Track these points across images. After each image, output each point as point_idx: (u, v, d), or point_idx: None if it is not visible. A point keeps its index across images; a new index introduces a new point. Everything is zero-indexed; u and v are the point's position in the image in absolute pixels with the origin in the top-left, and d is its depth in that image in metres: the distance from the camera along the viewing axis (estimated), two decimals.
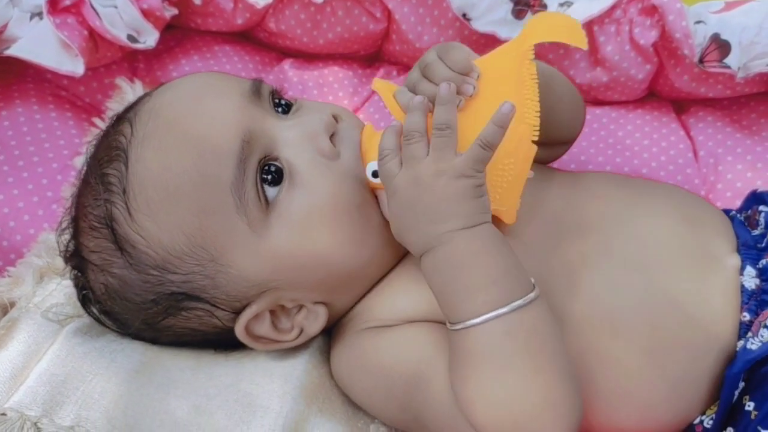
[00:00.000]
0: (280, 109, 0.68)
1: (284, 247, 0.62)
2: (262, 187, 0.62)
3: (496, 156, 0.59)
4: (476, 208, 0.58)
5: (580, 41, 0.59)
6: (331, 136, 0.65)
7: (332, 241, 0.63)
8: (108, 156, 0.64)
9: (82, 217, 0.65)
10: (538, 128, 0.59)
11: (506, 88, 0.60)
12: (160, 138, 0.62)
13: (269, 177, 0.62)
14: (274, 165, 0.63)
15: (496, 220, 0.62)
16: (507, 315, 0.55)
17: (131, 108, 0.67)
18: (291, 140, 0.64)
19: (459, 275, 0.57)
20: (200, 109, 0.63)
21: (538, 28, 0.61)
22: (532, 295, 0.56)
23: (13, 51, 0.83)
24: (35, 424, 0.61)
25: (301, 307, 0.66)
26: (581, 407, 0.56)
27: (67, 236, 0.68)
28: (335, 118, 0.67)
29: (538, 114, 0.59)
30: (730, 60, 0.84)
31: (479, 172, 0.58)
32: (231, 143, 0.61)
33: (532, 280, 0.58)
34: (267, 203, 0.62)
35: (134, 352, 0.67)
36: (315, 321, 0.66)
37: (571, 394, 0.56)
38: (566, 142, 0.80)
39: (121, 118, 0.66)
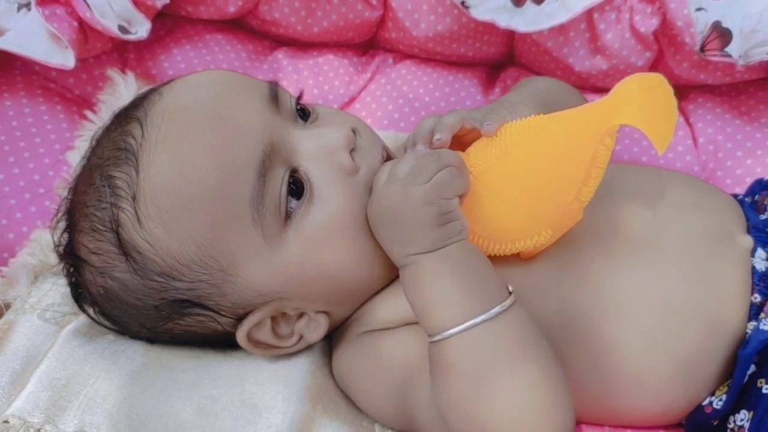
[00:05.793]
0: (299, 117, 0.66)
1: (296, 261, 0.61)
2: (287, 201, 0.61)
3: (535, 223, 0.61)
4: (441, 235, 0.58)
5: (662, 140, 0.55)
6: (351, 151, 0.64)
7: (343, 258, 0.63)
8: (115, 157, 0.61)
9: (82, 216, 0.63)
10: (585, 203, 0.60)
11: (575, 168, 0.60)
12: (176, 144, 0.59)
13: (291, 189, 0.61)
14: (294, 178, 0.62)
15: None
16: (480, 326, 0.55)
17: (139, 105, 0.64)
18: (311, 152, 0.63)
19: (427, 292, 0.58)
20: (221, 116, 0.61)
21: (633, 104, 0.58)
22: (507, 302, 0.56)
23: (0, 44, 0.80)
24: (39, 431, 0.60)
25: (302, 314, 0.66)
26: (570, 409, 0.56)
27: (61, 230, 0.66)
28: (354, 132, 0.65)
29: (593, 193, 0.60)
30: (731, 49, 0.83)
31: (443, 199, 0.58)
32: (253, 156, 0.59)
33: (509, 288, 0.58)
34: (287, 217, 0.61)
35: (135, 353, 0.66)
36: (315, 329, 0.66)
37: (555, 398, 0.55)
38: None
39: (128, 116, 0.63)
